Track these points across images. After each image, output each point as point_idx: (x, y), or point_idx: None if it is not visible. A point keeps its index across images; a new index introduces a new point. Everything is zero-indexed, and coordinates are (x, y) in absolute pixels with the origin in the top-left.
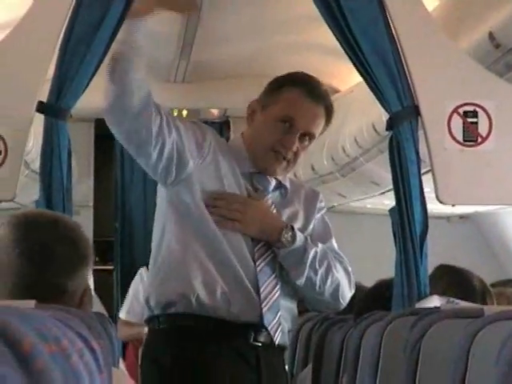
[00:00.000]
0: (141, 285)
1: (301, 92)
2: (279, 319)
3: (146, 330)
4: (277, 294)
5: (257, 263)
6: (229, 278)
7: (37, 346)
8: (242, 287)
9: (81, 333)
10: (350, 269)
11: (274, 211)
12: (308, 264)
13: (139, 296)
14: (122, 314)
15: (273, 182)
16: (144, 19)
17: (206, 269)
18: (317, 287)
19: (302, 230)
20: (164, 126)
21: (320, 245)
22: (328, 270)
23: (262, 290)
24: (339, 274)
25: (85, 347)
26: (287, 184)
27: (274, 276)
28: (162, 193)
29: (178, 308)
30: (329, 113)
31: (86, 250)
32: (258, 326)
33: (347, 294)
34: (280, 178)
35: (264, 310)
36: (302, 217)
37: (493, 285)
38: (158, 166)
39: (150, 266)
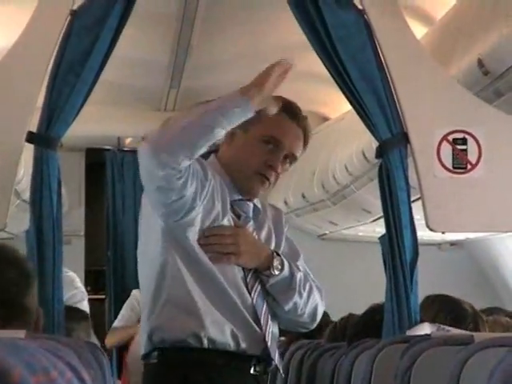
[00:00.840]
0: (135, 302)
1: (283, 113)
2: (276, 350)
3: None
4: (271, 322)
5: (252, 295)
6: (232, 314)
7: (25, 377)
8: (245, 322)
9: (70, 363)
10: (319, 285)
11: (256, 237)
12: (296, 289)
13: (134, 305)
14: (115, 324)
15: (251, 206)
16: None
17: (211, 307)
18: (299, 310)
19: (277, 250)
20: (190, 175)
21: (300, 267)
22: (310, 293)
23: (262, 322)
24: (316, 294)
25: (74, 377)
26: (258, 205)
27: (265, 305)
28: (156, 221)
29: (186, 344)
30: (306, 136)
31: (29, 267)
32: (259, 357)
33: (321, 312)
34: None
35: (268, 343)
36: (274, 237)
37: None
38: (170, 208)
39: (147, 298)
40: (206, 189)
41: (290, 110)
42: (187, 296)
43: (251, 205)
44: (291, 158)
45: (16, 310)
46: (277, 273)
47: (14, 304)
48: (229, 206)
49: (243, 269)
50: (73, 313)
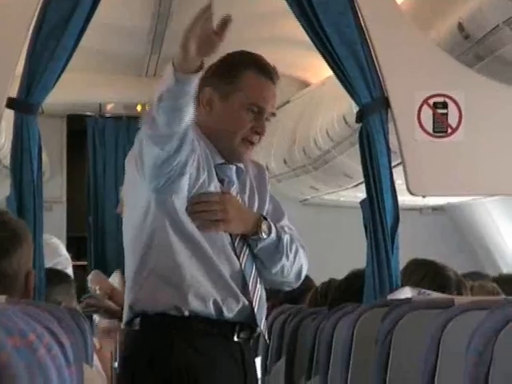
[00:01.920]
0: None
1: (258, 74)
2: (264, 315)
3: None
4: (259, 286)
5: (240, 259)
6: (219, 283)
7: (1, 339)
8: (232, 292)
9: (49, 327)
10: (303, 243)
11: (240, 200)
12: (284, 252)
13: None
14: None
15: (234, 168)
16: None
17: (197, 278)
18: (286, 272)
19: (261, 210)
20: (190, 158)
21: (286, 229)
22: (295, 254)
23: (250, 287)
24: (302, 254)
25: (53, 341)
26: (241, 165)
27: (254, 269)
28: (143, 192)
29: (168, 308)
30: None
31: (19, 229)
32: (243, 323)
33: (306, 270)
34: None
35: (255, 309)
36: (257, 197)
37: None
38: (158, 180)
39: (132, 267)
40: (195, 154)
41: (261, 67)
42: (173, 266)
43: (233, 167)
44: (271, 116)
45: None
46: (265, 236)
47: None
48: (214, 172)
49: (230, 234)
50: (55, 275)
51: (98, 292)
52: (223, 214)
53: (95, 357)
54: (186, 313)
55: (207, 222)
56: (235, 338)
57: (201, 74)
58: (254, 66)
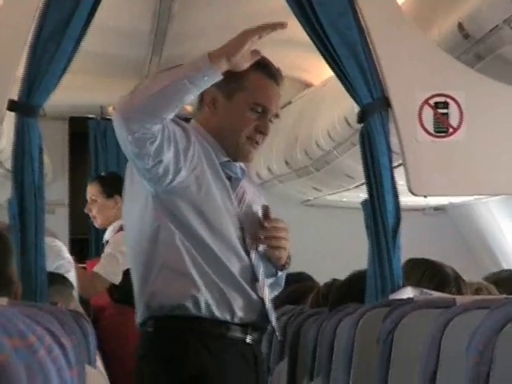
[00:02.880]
0: None
1: (264, 75)
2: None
3: None
4: (268, 288)
5: (250, 256)
6: (228, 281)
7: (0, 340)
8: (242, 288)
9: (50, 328)
10: None
11: (246, 197)
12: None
13: None
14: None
15: (238, 166)
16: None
17: (207, 276)
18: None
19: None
20: (163, 142)
21: None
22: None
23: (260, 282)
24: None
25: (54, 343)
26: (243, 166)
27: (263, 266)
28: (144, 188)
29: (183, 311)
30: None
31: (10, 240)
32: (254, 324)
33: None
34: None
35: (266, 304)
36: (257, 194)
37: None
38: (153, 173)
39: (139, 265)
40: (190, 151)
41: (269, 70)
42: (182, 263)
43: (238, 165)
44: (275, 117)
45: (1, 280)
46: (287, 267)
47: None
48: (220, 169)
49: (242, 229)
50: (56, 280)
51: None
52: (286, 242)
53: (98, 358)
54: (203, 306)
55: (272, 249)
56: (247, 340)
57: (217, 80)
58: (259, 67)
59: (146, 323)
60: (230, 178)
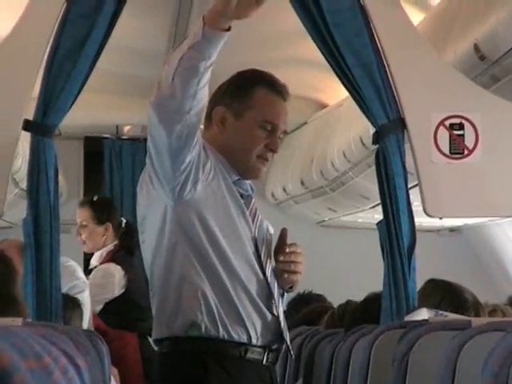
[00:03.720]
0: None
1: (270, 92)
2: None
3: None
4: (280, 299)
5: (266, 270)
6: (246, 302)
7: (15, 362)
8: (258, 306)
9: (65, 350)
10: None
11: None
12: None
13: None
14: None
15: (248, 183)
16: (225, 37)
17: (223, 291)
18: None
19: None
20: (196, 147)
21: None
22: None
23: (275, 297)
24: None
25: (69, 364)
26: (250, 182)
27: (276, 281)
28: (163, 206)
29: (200, 331)
30: None
31: (13, 262)
32: (271, 346)
33: None
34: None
35: (281, 323)
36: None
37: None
38: (176, 179)
39: (157, 280)
40: (207, 165)
41: (274, 84)
42: (198, 279)
43: (247, 182)
44: (283, 133)
45: (7, 302)
46: (294, 290)
47: (4, 296)
48: (234, 187)
49: (255, 243)
50: (68, 302)
51: None
52: (302, 267)
53: (112, 378)
54: (220, 327)
55: (290, 272)
56: (264, 362)
57: (226, 37)
58: (266, 84)
59: (162, 342)
60: (241, 196)
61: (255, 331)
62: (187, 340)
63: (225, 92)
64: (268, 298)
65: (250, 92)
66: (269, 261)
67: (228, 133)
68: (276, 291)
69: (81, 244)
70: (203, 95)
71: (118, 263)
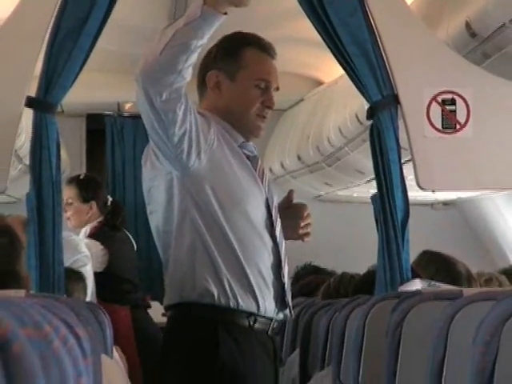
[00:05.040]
0: None
1: (260, 51)
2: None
3: None
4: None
5: (276, 232)
6: (256, 271)
7: (14, 330)
8: (270, 278)
9: (66, 319)
10: None
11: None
12: None
13: None
14: None
15: (251, 144)
16: (221, 19)
17: (232, 259)
18: None
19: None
20: (187, 110)
21: None
22: None
23: (282, 260)
24: None
25: (69, 333)
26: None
27: (284, 258)
28: (169, 177)
29: (211, 299)
30: None
31: (18, 237)
32: (276, 318)
33: None
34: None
35: (287, 295)
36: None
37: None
38: (179, 150)
39: (167, 248)
40: (210, 135)
41: (262, 43)
42: (208, 247)
43: (251, 144)
44: (276, 90)
45: (10, 277)
46: None
47: (8, 272)
48: (240, 151)
49: (268, 208)
50: (72, 275)
51: None
52: (311, 227)
53: (115, 349)
54: (229, 294)
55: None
56: (269, 332)
57: (222, 19)
58: (254, 44)
59: (174, 308)
60: (248, 158)
61: (263, 300)
62: (199, 306)
63: (215, 56)
64: (277, 265)
65: (241, 53)
66: (278, 223)
67: (225, 96)
68: (284, 257)
69: (67, 221)
70: (187, 74)
71: (100, 238)
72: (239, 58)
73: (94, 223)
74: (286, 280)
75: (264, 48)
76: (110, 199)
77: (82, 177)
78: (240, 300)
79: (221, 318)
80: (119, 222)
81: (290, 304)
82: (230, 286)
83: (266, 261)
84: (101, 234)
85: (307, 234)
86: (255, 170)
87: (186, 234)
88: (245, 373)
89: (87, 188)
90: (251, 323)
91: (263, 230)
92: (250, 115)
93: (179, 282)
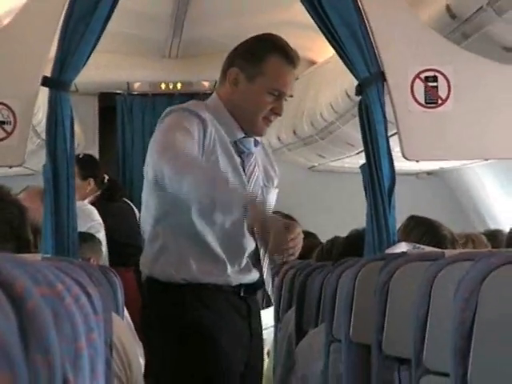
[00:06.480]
0: None
1: (283, 60)
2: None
3: None
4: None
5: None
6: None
7: (28, 288)
8: (241, 256)
9: (78, 279)
10: None
11: (261, 168)
12: None
13: None
14: None
15: (252, 140)
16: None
17: (203, 244)
18: None
19: (274, 176)
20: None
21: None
22: None
23: (262, 265)
24: None
25: (81, 292)
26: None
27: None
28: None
29: (177, 279)
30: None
31: (25, 207)
32: (249, 284)
33: None
34: None
35: (264, 275)
36: (269, 170)
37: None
38: None
39: (150, 223)
40: (206, 140)
41: (287, 53)
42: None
43: (252, 139)
44: (289, 96)
45: (23, 242)
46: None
47: (21, 237)
48: (231, 148)
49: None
50: (87, 237)
51: None
52: (298, 251)
53: (125, 309)
54: (199, 275)
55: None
56: (241, 294)
57: None
58: (279, 52)
59: (146, 279)
60: (242, 153)
61: (235, 279)
62: (164, 283)
63: (240, 55)
64: (256, 258)
65: (265, 58)
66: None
67: (239, 93)
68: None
69: None
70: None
71: (98, 209)
72: (262, 63)
73: (92, 197)
74: (264, 266)
75: (288, 57)
76: (107, 177)
77: (81, 156)
78: (208, 278)
79: (187, 283)
80: (118, 196)
81: (269, 284)
82: (197, 267)
83: (242, 248)
84: (98, 205)
85: (292, 255)
86: (245, 166)
87: (161, 214)
88: (214, 332)
89: (85, 166)
90: (219, 288)
91: (241, 220)
92: (258, 118)
93: (149, 259)
